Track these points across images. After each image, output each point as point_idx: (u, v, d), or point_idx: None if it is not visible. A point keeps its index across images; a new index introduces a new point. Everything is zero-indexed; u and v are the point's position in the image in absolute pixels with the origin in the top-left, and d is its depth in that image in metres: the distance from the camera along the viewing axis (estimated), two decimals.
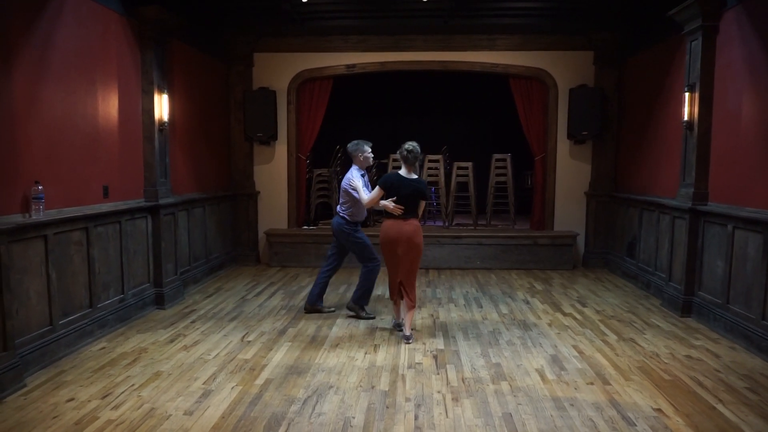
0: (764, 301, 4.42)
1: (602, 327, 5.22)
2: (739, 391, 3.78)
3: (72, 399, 3.61)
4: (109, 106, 5.16)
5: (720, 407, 3.53)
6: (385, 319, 5.41)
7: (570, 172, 8.14)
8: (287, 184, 8.38)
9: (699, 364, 4.26)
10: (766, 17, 4.67)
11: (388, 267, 4.94)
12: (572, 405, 3.56)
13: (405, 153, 4.83)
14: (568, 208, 8.19)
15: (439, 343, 4.74)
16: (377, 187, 4.85)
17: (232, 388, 3.81)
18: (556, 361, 4.34)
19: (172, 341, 4.78)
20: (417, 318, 5.51)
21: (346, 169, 9.42)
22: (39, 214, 4.07)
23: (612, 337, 4.91)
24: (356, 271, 7.78)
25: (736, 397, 3.68)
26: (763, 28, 4.70)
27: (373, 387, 3.83)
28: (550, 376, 4.04)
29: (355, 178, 5.28)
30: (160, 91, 5.81)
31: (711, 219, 5.25)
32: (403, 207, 4.75)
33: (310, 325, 5.24)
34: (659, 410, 3.49)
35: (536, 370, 4.15)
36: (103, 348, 4.58)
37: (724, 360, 4.36)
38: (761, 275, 4.45)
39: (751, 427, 3.27)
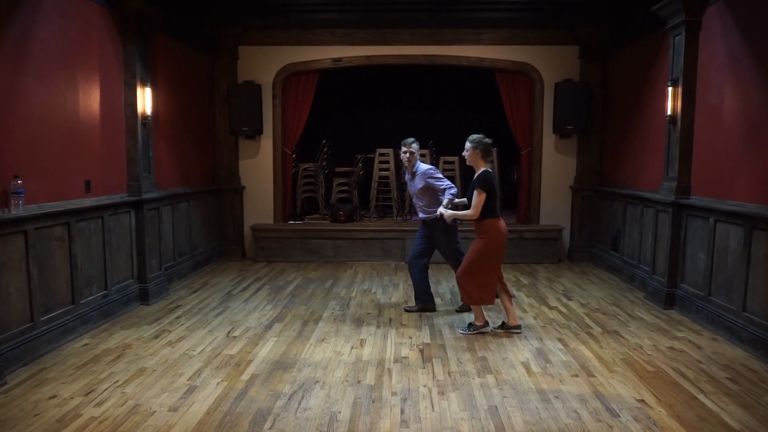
0: (745, 293, 4.49)
1: (587, 320, 5.27)
2: (720, 381, 3.84)
3: (54, 396, 3.56)
4: (91, 99, 5.08)
5: (701, 397, 3.58)
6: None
7: (555, 166, 8.19)
8: (273, 178, 8.33)
9: (681, 356, 4.32)
10: (747, 12, 4.73)
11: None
12: (557, 397, 3.59)
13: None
14: (554, 202, 8.24)
15: (425, 337, 4.75)
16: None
17: (218, 383, 3.79)
18: (541, 353, 4.37)
19: (156, 337, 4.73)
20: (404, 311, 5.52)
21: (332, 163, 9.48)
22: (19, 209, 4.00)
23: (596, 330, 4.95)
24: (342, 266, 7.79)
25: (717, 387, 3.74)
26: (744, 23, 4.75)
27: (359, 381, 3.83)
28: (535, 368, 4.06)
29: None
30: (143, 85, 5.73)
31: (693, 212, 5.32)
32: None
33: (296, 321, 5.22)
34: (642, 401, 3.53)
35: (522, 363, 4.18)
36: (86, 344, 4.53)
37: (706, 351, 4.42)
38: (742, 267, 4.52)
39: (731, 416, 3.32)
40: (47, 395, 3.58)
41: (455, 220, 4.96)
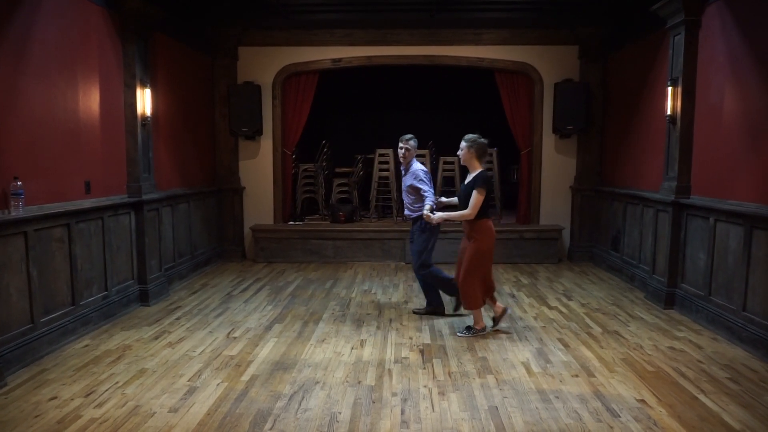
0: (745, 292, 4.49)
1: (587, 320, 5.27)
2: (720, 381, 3.84)
3: (54, 397, 3.56)
4: (91, 100, 5.08)
5: (702, 397, 3.58)
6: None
7: (555, 166, 8.19)
8: (273, 179, 8.33)
9: (682, 355, 4.32)
10: (747, 11, 4.73)
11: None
12: (557, 397, 3.59)
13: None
14: (554, 202, 8.24)
15: (425, 338, 4.75)
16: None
17: (218, 384, 3.79)
18: (541, 354, 4.37)
19: (156, 338, 4.73)
20: (404, 311, 5.52)
21: (332, 164, 9.48)
22: (18, 210, 4.00)
23: (597, 330, 4.95)
24: (342, 267, 7.79)
25: (717, 386, 3.74)
26: (744, 23, 4.75)
27: (359, 382, 3.83)
28: (535, 369, 4.06)
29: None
30: (143, 85, 5.73)
31: (693, 212, 5.32)
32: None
33: (296, 321, 5.22)
34: (643, 401, 3.53)
35: (522, 363, 4.18)
36: (87, 346, 4.53)
37: (706, 351, 4.42)
38: (742, 267, 4.52)
39: (731, 416, 3.32)
40: (47, 396, 3.58)
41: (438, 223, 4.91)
